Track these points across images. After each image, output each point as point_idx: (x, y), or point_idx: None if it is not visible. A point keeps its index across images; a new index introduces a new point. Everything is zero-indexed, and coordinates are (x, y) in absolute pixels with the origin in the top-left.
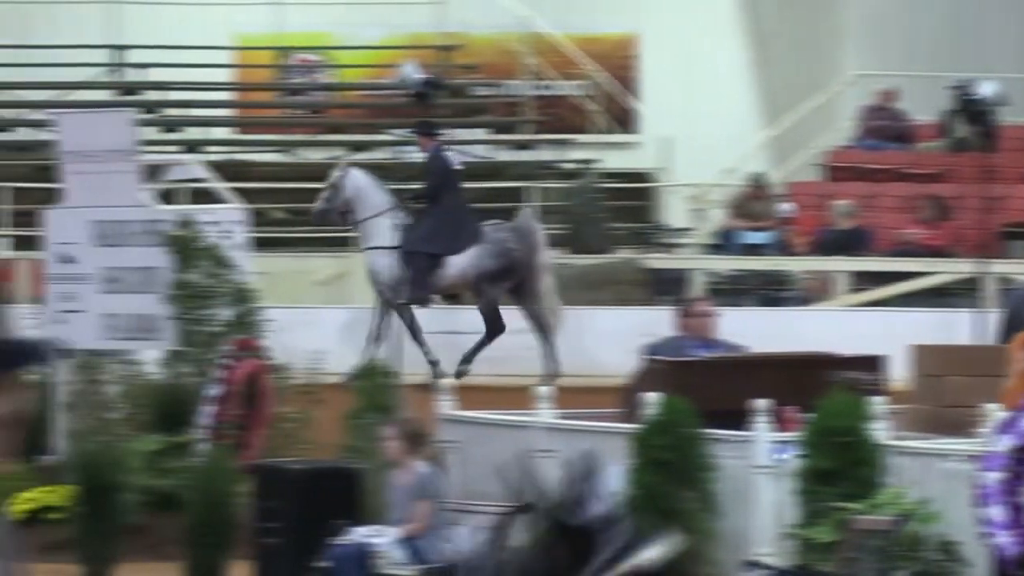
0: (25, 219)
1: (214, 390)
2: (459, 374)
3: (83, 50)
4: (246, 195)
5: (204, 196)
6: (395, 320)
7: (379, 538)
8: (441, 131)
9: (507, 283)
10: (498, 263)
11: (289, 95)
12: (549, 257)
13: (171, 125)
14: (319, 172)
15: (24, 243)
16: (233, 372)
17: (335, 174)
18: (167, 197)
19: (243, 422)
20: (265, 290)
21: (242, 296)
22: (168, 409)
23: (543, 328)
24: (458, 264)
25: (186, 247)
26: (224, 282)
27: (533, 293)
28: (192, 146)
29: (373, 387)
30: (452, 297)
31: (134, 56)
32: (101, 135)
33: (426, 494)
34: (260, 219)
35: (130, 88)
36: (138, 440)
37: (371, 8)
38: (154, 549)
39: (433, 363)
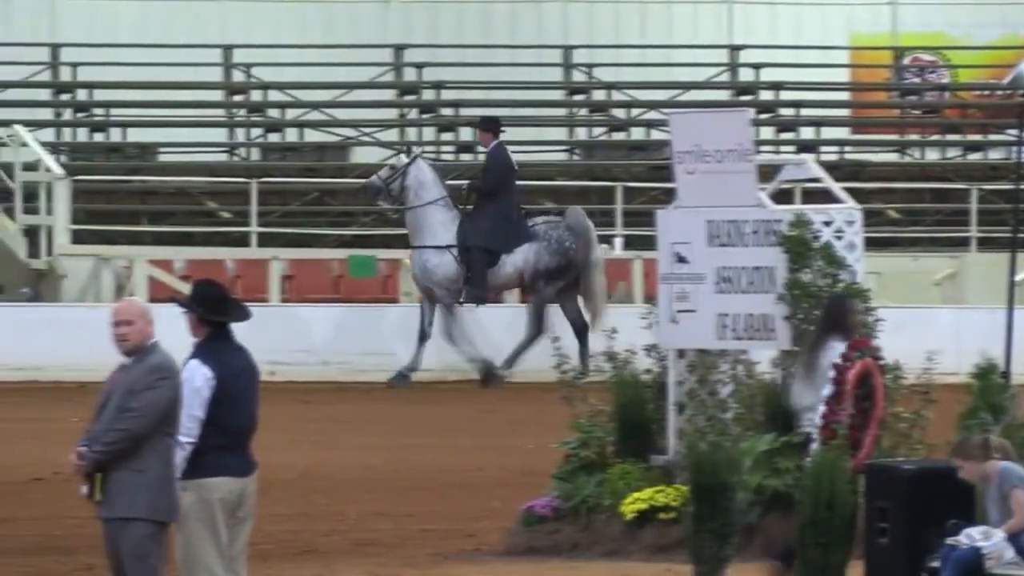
0: (639, 218)
1: (826, 390)
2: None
3: (699, 50)
4: (860, 195)
5: (817, 196)
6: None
7: (990, 538)
8: (503, 128)
9: (563, 280)
10: (557, 261)
11: (903, 95)
12: (601, 255)
13: (785, 125)
14: (934, 173)
15: (638, 242)
16: (845, 372)
17: (402, 159)
18: (781, 197)
19: (855, 422)
20: (878, 290)
21: (855, 296)
22: (781, 409)
23: (583, 327)
24: (514, 262)
25: (800, 247)
26: (837, 282)
27: (585, 291)
28: (806, 146)
29: (987, 387)
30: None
31: (749, 56)
32: (716, 135)
33: (1016, 482)
34: (874, 219)
35: (745, 88)
36: (751, 440)
37: (988, 8)
38: (766, 549)
39: (478, 362)
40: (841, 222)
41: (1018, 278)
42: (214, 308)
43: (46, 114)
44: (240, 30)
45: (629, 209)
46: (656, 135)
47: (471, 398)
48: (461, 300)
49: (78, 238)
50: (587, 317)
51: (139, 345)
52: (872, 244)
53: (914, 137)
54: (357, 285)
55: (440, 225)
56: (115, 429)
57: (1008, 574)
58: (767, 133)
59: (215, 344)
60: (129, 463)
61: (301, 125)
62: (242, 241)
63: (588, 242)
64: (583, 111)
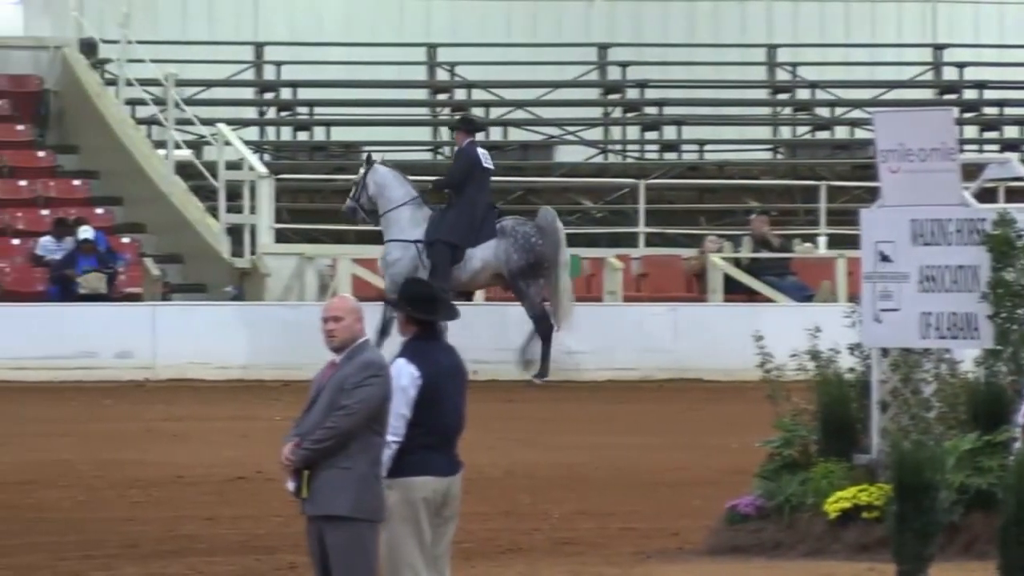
0: (842, 217)
1: None
2: (527, 367)
3: (903, 49)
4: None
5: (1021, 194)
6: None
7: None
8: (480, 130)
9: (538, 278)
10: (525, 258)
11: None
12: (567, 255)
13: (989, 124)
14: None
15: (841, 241)
16: None
17: (360, 171)
18: (985, 196)
19: None
20: None
21: None
22: (984, 407)
23: (547, 327)
24: (480, 257)
25: (1004, 246)
26: None
27: (551, 290)
28: (1010, 144)
29: None
30: (466, 296)
31: (953, 55)
32: (920, 134)
33: None
34: None
35: (949, 87)
36: (954, 438)
37: None
38: (968, 548)
39: None
40: None
41: None
42: (423, 307)
43: (250, 113)
44: (444, 29)
45: (833, 208)
46: (860, 134)
47: (674, 397)
48: None
49: (282, 237)
50: (553, 316)
51: (347, 341)
52: None
53: None
54: None
55: (408, 221)
56: (325, 427)
57: None
58: (971, 132)
59: (422, 343)
60: (337, 460)
61: (505, 124)
62: None
63: (556, 241)
64: (787, 110)
